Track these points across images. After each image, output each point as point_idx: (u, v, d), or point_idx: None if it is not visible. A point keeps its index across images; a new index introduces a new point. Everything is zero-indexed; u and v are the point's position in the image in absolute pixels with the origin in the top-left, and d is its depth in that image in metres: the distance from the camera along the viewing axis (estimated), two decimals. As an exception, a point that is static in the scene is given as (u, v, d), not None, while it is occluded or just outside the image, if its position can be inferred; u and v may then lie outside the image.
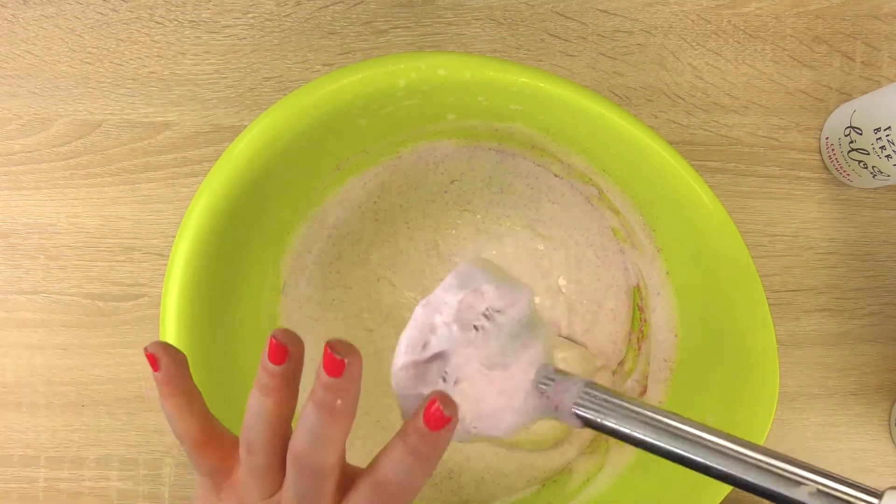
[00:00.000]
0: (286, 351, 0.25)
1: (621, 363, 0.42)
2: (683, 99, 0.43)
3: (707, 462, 0.25)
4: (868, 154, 0.39)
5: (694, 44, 0.43)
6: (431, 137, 0.39)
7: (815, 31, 0.43)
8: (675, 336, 0.38)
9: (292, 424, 0.26)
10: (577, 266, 0.41)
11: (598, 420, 0.27)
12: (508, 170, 0.41)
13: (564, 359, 0.40)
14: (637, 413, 0.26)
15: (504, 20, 0.43)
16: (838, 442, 0.43)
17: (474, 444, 0.41)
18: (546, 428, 0.40)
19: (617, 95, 0.43)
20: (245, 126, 0.32)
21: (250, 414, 0.26)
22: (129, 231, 0.43)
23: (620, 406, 0.27)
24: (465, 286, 0.28)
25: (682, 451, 0.25)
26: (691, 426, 0.25)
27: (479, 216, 0.41)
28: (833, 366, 0.43)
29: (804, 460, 0.24)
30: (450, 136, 0.39)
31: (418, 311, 0.29)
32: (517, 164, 0.40)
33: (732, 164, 0.43)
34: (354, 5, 0.43)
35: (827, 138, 0.42)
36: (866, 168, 0.40)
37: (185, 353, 0.28)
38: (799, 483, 0.23)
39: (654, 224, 0.37)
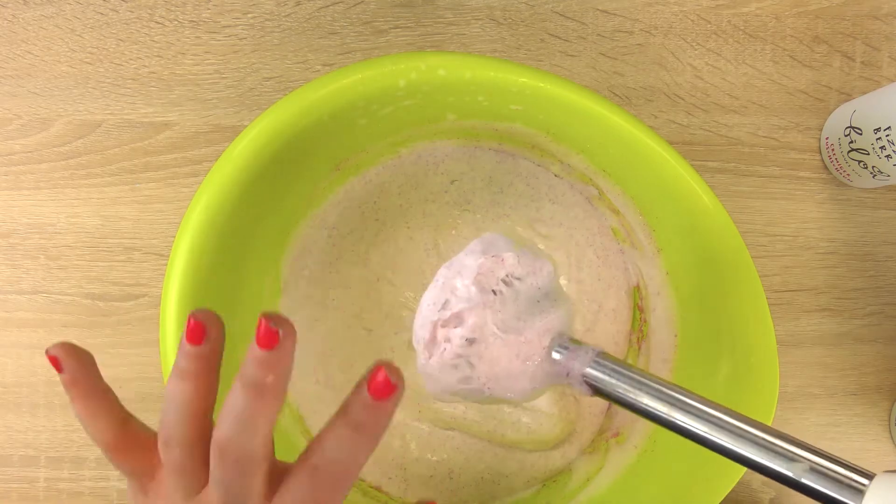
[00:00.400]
0: (205, 330, 0.24)
1: (621, 363, 0.42)
2: (683, 99, 0.43)
3: (706, 434, 0.25)
4: (868, 154, 0.39)
5: (694, 44, 0.43)
6: (431, 137, 0.39)
7: (815, 31, 0.43)
8: (675, 336, 0.38)
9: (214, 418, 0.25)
10: (578, 266, 0.41)
11: (606, 388, 0.28)
12: (508, 170, 0.41)
13: None
14: (644, 383, 0.27)
15: (504, 20, 0.43)
16: (838, 442, 0.43)
17: (474, 445, 0.41)
18: (547, 428, 0.40)
19: (617, 95, 0.43)
20: (245, 126, 0.32)
21: (166, 404, 0.24)
22: (129, 231, 0.43)
23: (629, 376, 0.27)
24: (487, 252, 0.30)
25: (683, 422, 0.26)
26: (695, 399, 0.26)
27: (479, 216, 0.41)
28: (833, 366, 0.43)
29: (802, 439, 0.24)
30: (450, 136, 0.39)
31: (441, 272, 0.30)
32: (517, 164, 0.40)
33: (732, 164, 0.43)
34: (354, 5, 0.43)
35: (827, 138, 0.42)
36: (866, 168, 0.40)
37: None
38: (793, 460, 0.23)
39: (654, 224, 0.37)
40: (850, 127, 0.40)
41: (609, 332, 0.41)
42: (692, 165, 0.33)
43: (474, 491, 0.41)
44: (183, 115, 0.43)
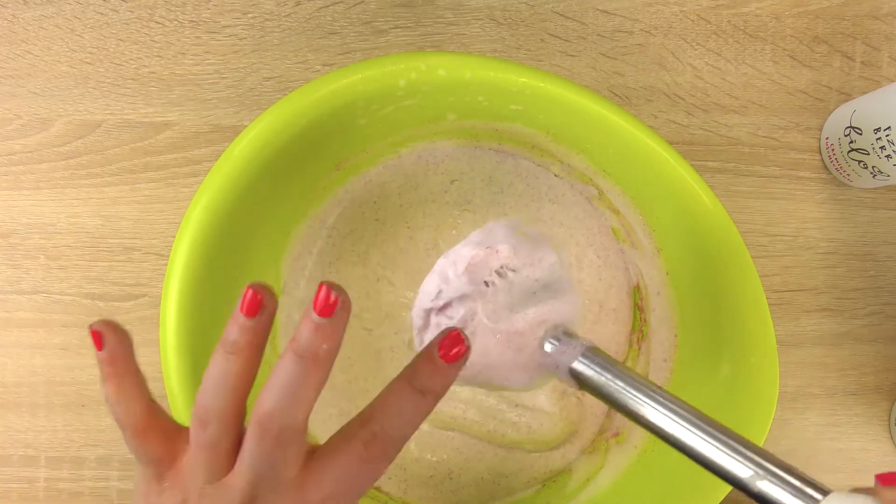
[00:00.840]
0: (262, 302, 0.24)
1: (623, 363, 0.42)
2: (683, 99, 0.43)
3: (674, 434, 0.26)
4: (868, 154, 0.39)
5: (694, 44, 0.43)
6: (431, 137, 0.39)
7: (815, 31, 0.43)
8: (675, 336, 0.38)
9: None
10: (579, 266, 0.41)
11: (590, 383, 0.28)
12: (508, 170, 0.41)
13: None
14: (627, 381, 0.27)
15: (504, 20, 0.43)
16: (838, 442, 0.43)
17: (474, 445, 0.41)
18: (547, 428, 0.40)
19: (617, 95, 0.43)
20: (245, 126, 0.32)
21: (210, 378, 0.24)
22: (129, 231, 0.43)
23: (613, 371, 0.28)
24: (482, 243, 0.30)
25: (657, 421, 0.26)
26: (670, 400, 0.26)
27: (479, 216, 0.41)
28: (833, 366, 0.43)
29: (767, 449, 0.24)
30: (450, 136, 0.39)
31: (439, 262, 0.30)
32: (517, 164, 0.40)
33: (732, 164, 0.43)
34: (354, 5, 0.43)
35: (827, 138, 0.42)
36: (866, 168, 0.40)
37: (186, 353, 0.27)
38: (749, 467, 0.24)
39: (654, 224, 0.37)
40: (850, 127, 0.40)
41: (610, 332, 0.41)
42: (692, 165, 0.33)
43: (474, 491, 0.41)
44: (183, 115, 0.43)
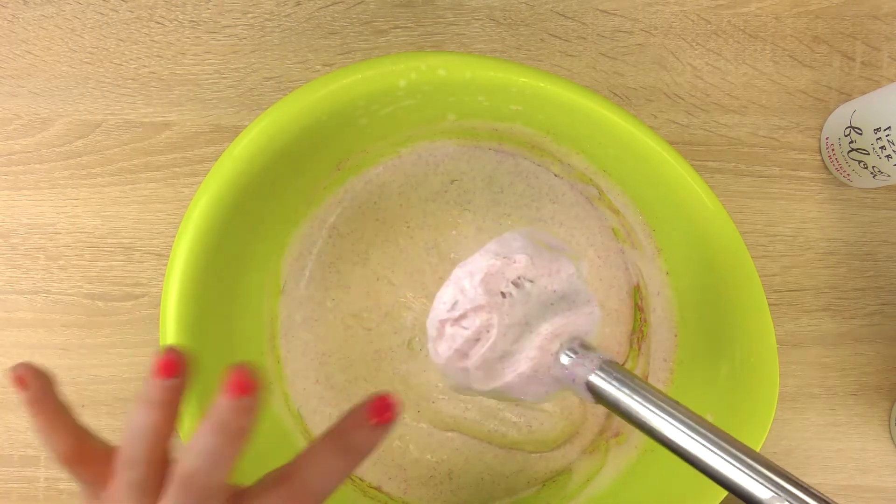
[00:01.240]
0: (177, 366, 0.25)
1: (623, 363, 0.42)
2: (683, 99, 0.43)
3: (697, 455, 0.26)
4: (868, 154, 0.39)
5: (694, 44, 0.43)
6: (431, 137, 0.39)
7: (815, 31, 0.43)
8: (675, 336, 0.38)
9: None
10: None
11: (607, 397, 0.28)
12: (508, 170, 0.41)
13: None
14: (644, 396, 0.27)
15: (504, 20, 0.43)
16: (838, 442, 0.43)
17: (474, 446, 0.41)
18: (548, 428, 0.40)
19: (617, 95, 0.43)
20: (245, 126, 0.32)
21: (133, 430, 0.25)
22: (129, 231, 0.43)
23: (631, 386, 0.27)
24: (499, 253, 0.30)
25: (678, 439, 0.26)
26: (691, 418, 0.26)
27: (479, 215, 0.41)
28: (833, 366, 0.43)
29: (787, 470, 0.24)
30: (450, 136, 0.39)
31: (455, 272, 0.30)
32: (517, 164, 0.40)
33: (732, 164, 0.43)
34: (354, 5, 0.43)
35: (827, 138, 0.42)
36: (866, 168, 0.40)
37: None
38: (773, 491, 0.24)
39: (654, 224, 0.37)
40: (851, 127, 0.40)
41: (611, 332, 0.41)
42: (692, 165, 0.33)
43: (474, 491, 0.41)
44: (183, 115, 0.43)
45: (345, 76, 0.32)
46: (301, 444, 0.39)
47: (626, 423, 0.40)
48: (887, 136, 0.37)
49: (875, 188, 0.43)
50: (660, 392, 0.27)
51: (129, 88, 0.43)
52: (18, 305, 0.43)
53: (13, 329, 0.43)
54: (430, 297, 0.41)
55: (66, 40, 0.43)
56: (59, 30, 0.43)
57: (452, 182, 0.41)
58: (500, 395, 0.30)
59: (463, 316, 0.30)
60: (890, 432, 0.43)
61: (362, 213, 0.41)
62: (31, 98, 0.43)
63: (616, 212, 0.39)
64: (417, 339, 0.41)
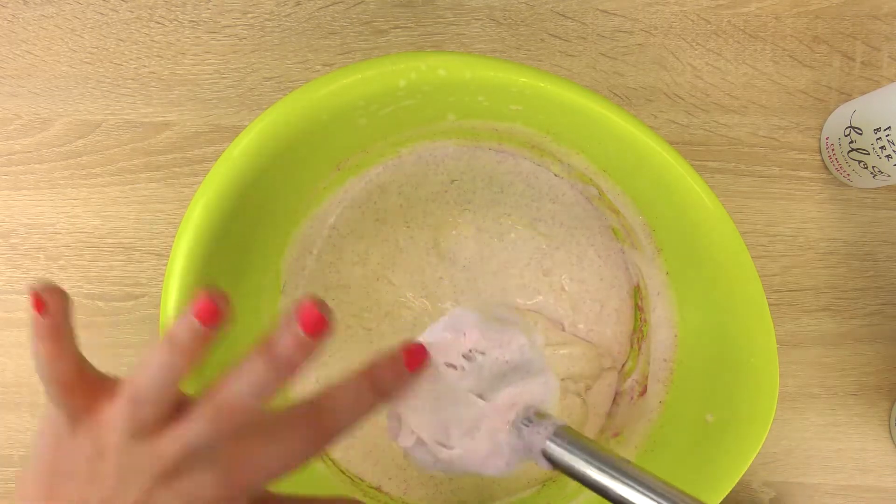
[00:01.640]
0: (223, 313, 0.24)
1: (623, 363, 0.42)
2: (683, 99, 0.43)
3: None
4: (868, 154, 0.39)
5: (694, 44, 0.43)
6: (431, 137, 0.39)
7: (815, 31, 0.43)
8: (675, 336, 0.38)
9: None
10: (580, 265, 0.41)
11: (562, 463, 0.28)
12: (508, 169, 0.41)
13: (570, 355, 0.40)
14: (598, 460, 0.27)
15: (504, 20, 0.43)
16: (838, 442, 0.43)
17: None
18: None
19: (617, 95, 0.43)
20: (245, 126, 0.32)
21: (150, 366, 0.24)
22: (129, 231, 0.43)
23: (585, 450, 0.28)
24: (449, 328, 0.30)
25: (633, 500, 0.26)
26: (644, 479, 0.26)
27: (479, 215, 0.41)
28: (833, 366, 0.43)
29: None
30: (450, 136, 0.39)
31: None
32: (517, 164, 0.40)
33: (732, 164, 0.43)
34: (354, 5, 0.43)
35: (827, 138, 0.42)
36: (866, 168, 0.40)
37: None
38: None
39: (654, 224, 0.37)
40: (851, 127, 0.40)
41: (612, 332, 0.41)
42: (692, 165, 0.33)
43: (474, 491, 0.41)
44: (183, 115, 0.43)
45: (345, 76, 0.32)
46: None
47: (626, 423, 0.40)
48: (887, 136, 0.37)
49: (875, 188, 0.43)
50: (614, 455, 0.27)
51: (129, 88, 0.43)
52: (18, 305, 0.43)
53: (13, 329, 0.43)
54: (430, 297, 0.41)
55: (66, 40, 0.43)
56: (59, 30, 0.43)
57: (452, 182, 0.41)
58: (462, 469, 0.30)
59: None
60: (890, 432, 0.43)
61: (362, 213, 0.41)
62: (31, 98, 0.43)
63: (616, 212, 0.39)
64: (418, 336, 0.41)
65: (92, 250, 0.43)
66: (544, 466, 0.29)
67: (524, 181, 0.41)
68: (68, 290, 0.42)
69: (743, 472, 0.33)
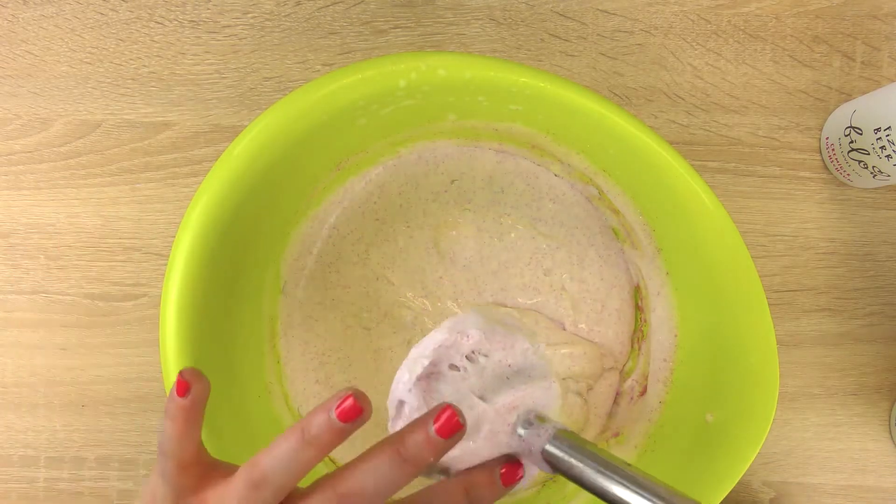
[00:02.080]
0: (360, 413, 0.24)
1: (624, 364, 0.42)
2: (683, 99, 0.43)
3: None
4: (868, 154, 0.39)
5: (694, 44, 0.43)
6: (431, 137, 0.39)
7: (815, 31, 0.43)
8: (675, 336, 0.38)
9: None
10: (580, 265, 0.41)
11: (562, 465, 0.28)
12: (508, 169, 0.41)
13: (571, 354, 0.40)
14: (598, 463, 0.27)
15: (504, 20, 0.43)
16: (838, 442, 0.43)
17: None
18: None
19: (617, 95, 0.43)
20: (245, 126, 0.32)
21: (280, 453, 0.24)
22: (129, 231, 0.43)
23: (584, 452, 0.28)
24: (454, 328, 0.30)
25: (632, 502, 0.26)
26: (645, 482, 0.26)
27: (479, 215, 0.41)
28: (833, 366, 0.43)
29: None
30: (450, 136, 0.39)
31: (411, 352, 0.31)
32: (517, 164, 0.40)
33: (732, 164, 0.43)
34: (354, 5, 0.43)
35: (827, 138, 0.42)
36: (866, 168, 0.40)
37: (185, 353, 0.27)
38: None
39: (654, 224, 0.37)
40: (851, 127, 0.40)
41: (613, 332, 0.41)
42: (692, 165, 0.33)
43: (474, 491, 0.41)
44: (183, 115, 0.43)
45: (345, 76, 0.32)
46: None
47: (626, 422, 0.40)
48: (887, 136, 0.37)
49: (875, 188, 0.43)
50: (613, 458, 0.27)
51: (128, 88, 0.43)
52: (18, 305, 0.43)
53: (13, 329, 0.43)
54: (430, 297, 0.41)
55: (66, 40, 0.43)
56: (59, 30, 0.43)
57: (452, 182, 0.41)
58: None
59: (423, 382, 0.30)
60: (890, 432, 0.43)
61: (362, 213, 0.41)
62: (31, 98, 0.43)
63: (616, 212, 0.39)
64: (417, 338, 0.41)
65: (92, 250, 0.43)
66: (545, 469, 0.29)
67: (524, 181, 0.41)
68: (68, 290, 0.42)
69: (743, 472, 0.33)
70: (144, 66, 0.43)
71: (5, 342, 0.43)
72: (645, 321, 0.40)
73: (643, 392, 0.39)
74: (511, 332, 0.31)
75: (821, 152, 0.43)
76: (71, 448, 0.43)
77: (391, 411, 0.31)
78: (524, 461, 0.30)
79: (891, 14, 0.43)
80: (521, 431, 0.30)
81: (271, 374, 0.40)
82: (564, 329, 0.41)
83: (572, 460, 0.28)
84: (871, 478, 0.43)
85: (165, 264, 0.33)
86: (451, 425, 0.25)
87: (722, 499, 0.33)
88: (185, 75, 0.43)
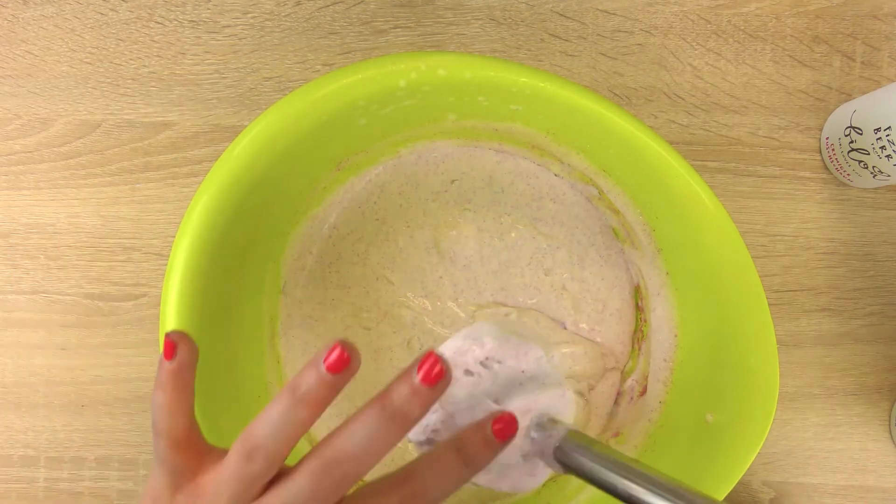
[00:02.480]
0: (349, 362, 0.24)
1: (625, 364, 0.42)
2: (683, 99, 0.43)
3: None
4: (868, 154, 0.39)
5: (694, 44, 0.43)
6: (431, 137, 0.39)
7: (815, 31, 0.43)
8: (675, 336, 0.38)
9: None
10: (581, 265, 0.41)
11: (574, 465, 0.28)
12: (509, 169, 0.41)
13: (572, 354, 0.40)
14: (609, 461, 0.27)
15: (504, 20, 0.43)
16: (838, 442, 0.43)
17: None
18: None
19: (617, 95, 0.43)
20: (245, 126, 0.32)
21: (270, 418, 0.24)
22: (129, 231, 0.43)
23: (594, 452, 0.28)
24: (469, 336, 0.31)
25: (645, 499, 0.26)
26: (654, 477, 0.26)
27: (479, 215, 0.41)
28: (833, 366, 0.43)
29: None
30: (450, 136, 0.39)
31: None
32: (517, 164, 0.40)
33: (732, 164, 0.43)
34: (354, 5, 0.43)
35: (827, 138, 0.42)
36: (866, 168, 0.40)
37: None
38: None
39: (654, 224, 0.37)
40: (851, 127, 0.40)
41: (615, 332, 0.41)
42: (692, 165, 0.33)
43: (474, 491, 0.41)
44: (183, 115, 0.43)
45: (345, 76, 0.32)
46: (302, 444, 0.39)
47: (626, 422, 0.40)
48: (887, 135, 0.37)
49: (875, 188, 0.43)
50: (623, 456, 0.28)
51: (128, 88, 0.43)
52: (18, 305, 0.43)
53: (13, 329, 0.43)
54: (430, 297, 0.41)
55: (66, 40, 0.43)
56: (59, 30, 0.43)
57: (452, 182, 0.41)
58: (487, 482, 0.31)
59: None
60: (890, 432, 0.43)
61: (362, 213, 0.41)
62: (31, 98, 0.43)
63: (616, 212, 0.39)
64: (417, 338, 0.41)
65: (92, 250, 0.43)
66: (557, 469, 0.29)
67: (524, 181, 0.41)
68: (68, 290, 0.42)
69: (743, 472, 0.33)
70: (144, 66, 0.43)
71: (5, 342, 0.43)
72: (645, 321, 0.40)
73: (643, 392, 0.39)
74: (525, 341, 0.31)
75: (821, 152, 0.43)
76: (71, 448, 0.43)
77: (420, 437, 0.31)
78: (538, 459, 0.30)
79: (891, 14, 0.43)
80: (533, 434, 0.30)
81: (271, 374, 0.40)
82: (565, 328, 0.41)
83: (583, 458, 0.28)
84: (871, 478, 0.43)
85: (165, 264, 0.33)
86: (436, 373, 0.24)
87: (722, 499, 0.33)
88: (185, 75, 0.43)
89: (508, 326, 0.32)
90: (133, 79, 0.43)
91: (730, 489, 0.33)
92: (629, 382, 0.41)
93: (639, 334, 0.41)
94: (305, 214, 0.40)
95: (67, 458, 0.43)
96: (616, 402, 0.41)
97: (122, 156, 0.43)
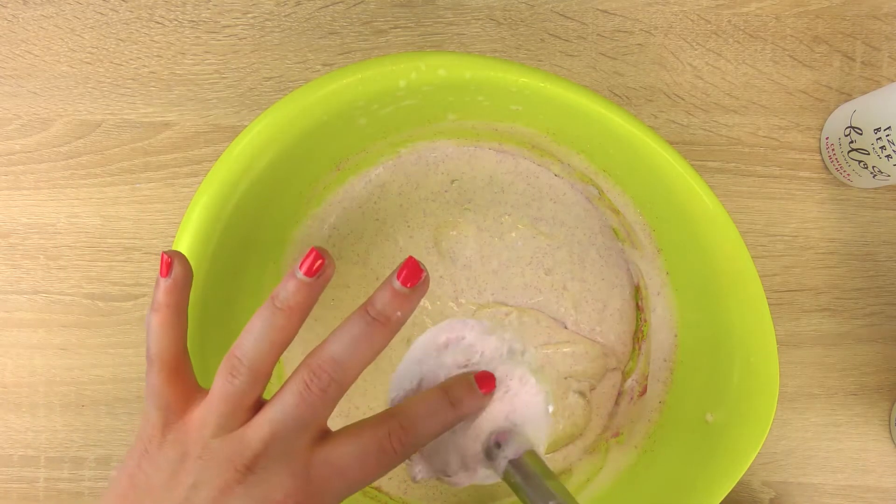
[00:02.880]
0: (324, 265, 0.24)
1: (625, 364, 0.42)
2: (683, 99, 0.43)
3: None
4: (868, 154, 0.39)
5: (694, 44, 0.43)
6: (431, 137, 0.39)
7: (815, 31, 0.43)
8: (675, 336, 0.38)
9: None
10: (581, 265, 0.41)
11: (518, 488, 0.29)
12: (509, 169, 0.41)
13: (573, 353, 0.40)
14: (545, 495, 0.28)
15: (504, 20, 0.43)
16: (838, 442, 0.43)
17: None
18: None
19: (617, 95, 0.43)
20: (245, 126, 0.32)
21: (251, 329, 0.24)
22: (129, 231, 0.43)
23: (534, 484, 0.28)
24: (451, 329, 0.31)
25: None
26: None
27: (479, 215, 0.41)
28: (833, 366, 0.43)
29: None
30: (450, 136, 0.39)
31: (411, 346, 0.32)
32: (517, 164, 0.40)
33: (732, 164, 0.43)
34: (354, 5, 0.43)
35: (827, 138, 0.42)
36: (866, 168, 0.40)
37: (184, 353, 0.27)
38: None
39: (654, 224, 0.37)
40: (851, 127, 0.40)
41: (615, 332, 0.41)
42: (692, 165, 0.33)
43: (474, 491, 0.41)
44: (183, 115, 0.43)
45: (345, 76, 0.32)
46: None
47: (626, 422, 0.40)
48: (887, 135, 0.37)
49: (875, 188, 0.43)
50: (562, 490, 0.28)
51: (128, 88, 0.43)
52: (18, 305, 0.43)
53: (13, 329, 0.43)
54: (430, 297, 0.41)
55: (66, 40, 0.43)
56: (59, 30, 0.43)
57: (452, 182, 0.41)
58: (442, 467, 0.31)
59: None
60: (890, 432, 0.43)
61: (362, 213, 0.41)
62: (31, 98, 0.43)
63: (616, 212, 0.39)
64: (416, 337, 0.41)
65: (92, 250, 0.43)
66: (498, 477, 0.30)
67: (524, 181, 0.41)
68: (68, 291, 0.42)
69: (743, 472, 0.33)
70: (144, 66, 0.43)
71: (5, 342, 0.43)
72: (645, 321, 0.40)
73: (643, 392, 0.39)
74: (503, 336, 0.32)
75: (821, 152, 0.43)
76: (71, 448, 0.43)
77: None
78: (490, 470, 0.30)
79: (891, 14, 0.43)
80: (489, 453, 0.30)
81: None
82: (566, 328, 0.41)
83: (529, 484, 0.28)
84: (871, 478, 0.43)
85: (165, 264, 0.33)
86: (414, 272, 0.25)
87: (722, 499, 0.33)
88: (185, 75, 0.43)
89: (491, 324, 0.33)
90: (133, 79, 0.43)
91: (730, 489, 0.33)
92: (629, 382, 0.41)
93: (639, 334, 0.41)
94: (305, 214, 0.40)
95: (67, 458, 0.43)
96: (616, 403, 0.41)
97: (122, 156, 0.43)
